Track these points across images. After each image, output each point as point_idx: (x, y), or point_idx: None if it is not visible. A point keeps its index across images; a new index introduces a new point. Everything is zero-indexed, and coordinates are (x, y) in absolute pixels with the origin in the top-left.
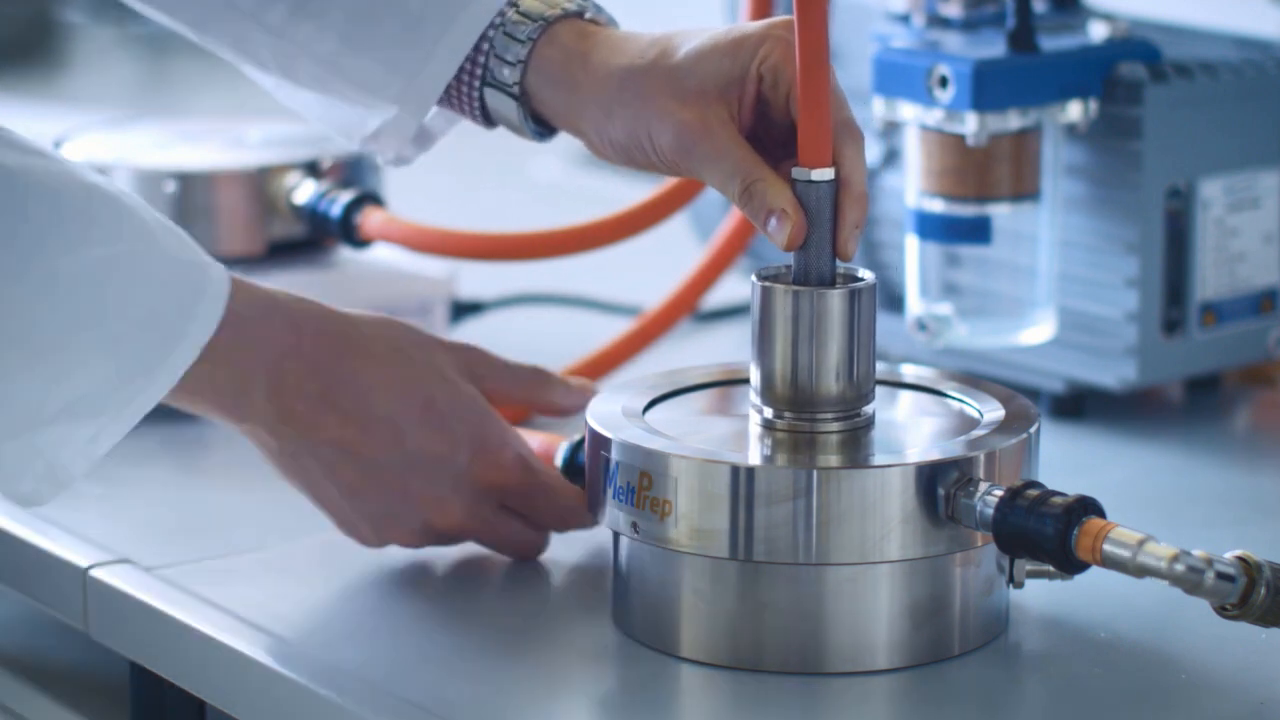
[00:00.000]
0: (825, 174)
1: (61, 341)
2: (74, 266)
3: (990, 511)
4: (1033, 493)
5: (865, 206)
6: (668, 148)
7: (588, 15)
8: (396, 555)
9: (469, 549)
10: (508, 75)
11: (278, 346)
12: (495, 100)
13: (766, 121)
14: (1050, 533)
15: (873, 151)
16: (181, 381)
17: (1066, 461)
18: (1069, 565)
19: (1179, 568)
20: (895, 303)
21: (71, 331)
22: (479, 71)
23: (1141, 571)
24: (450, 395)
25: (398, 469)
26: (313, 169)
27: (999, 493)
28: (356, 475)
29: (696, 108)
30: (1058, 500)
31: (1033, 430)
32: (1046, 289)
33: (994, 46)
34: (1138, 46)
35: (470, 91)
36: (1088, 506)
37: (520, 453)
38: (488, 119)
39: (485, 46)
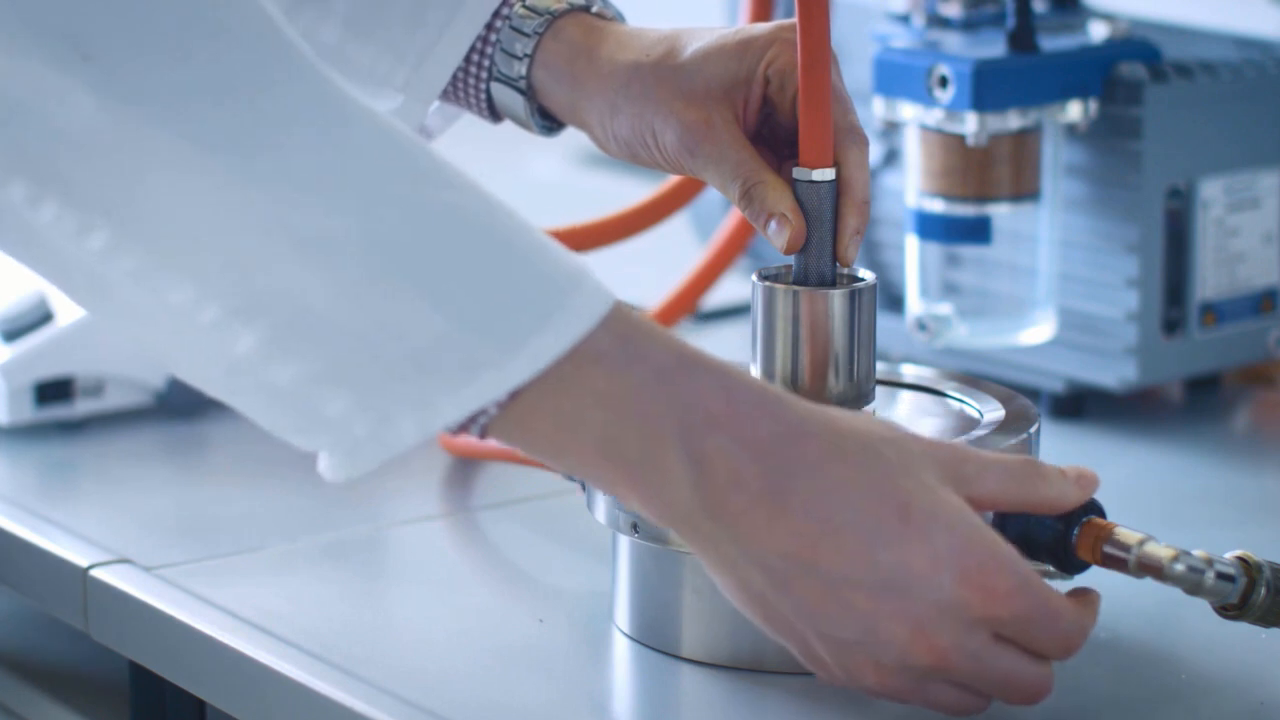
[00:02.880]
0: (826, 174)
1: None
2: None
3: (990, 512)
4: None
5: (867, 213)
6: (671, 147)
7: (594, 9)
8: (396, 555)
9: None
10: (514, 69)
11: (702, 411)
12: (501, 94)
13: (772, 124)
14: (1050, 533)
15: (873, 151)
16: (564, 425)
17: (1066, 461)
18: (1069, 565)
19: (1179, 568)
20: (895, 303)
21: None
22: (485, 63)
23: (1141, 571)
24: (931, 503)
25: (867, 589)
26: None
27: None
28: (817, 593)
29: (701, 108)
30: None
31: (1033, 430)
32: (1046, 289)
33: (994, 46)
34: (1138, 46)
35: (477, 85)
36: (1088, 506)
37: (1020, 574)
38: (494, 113)
39: (493, 38)
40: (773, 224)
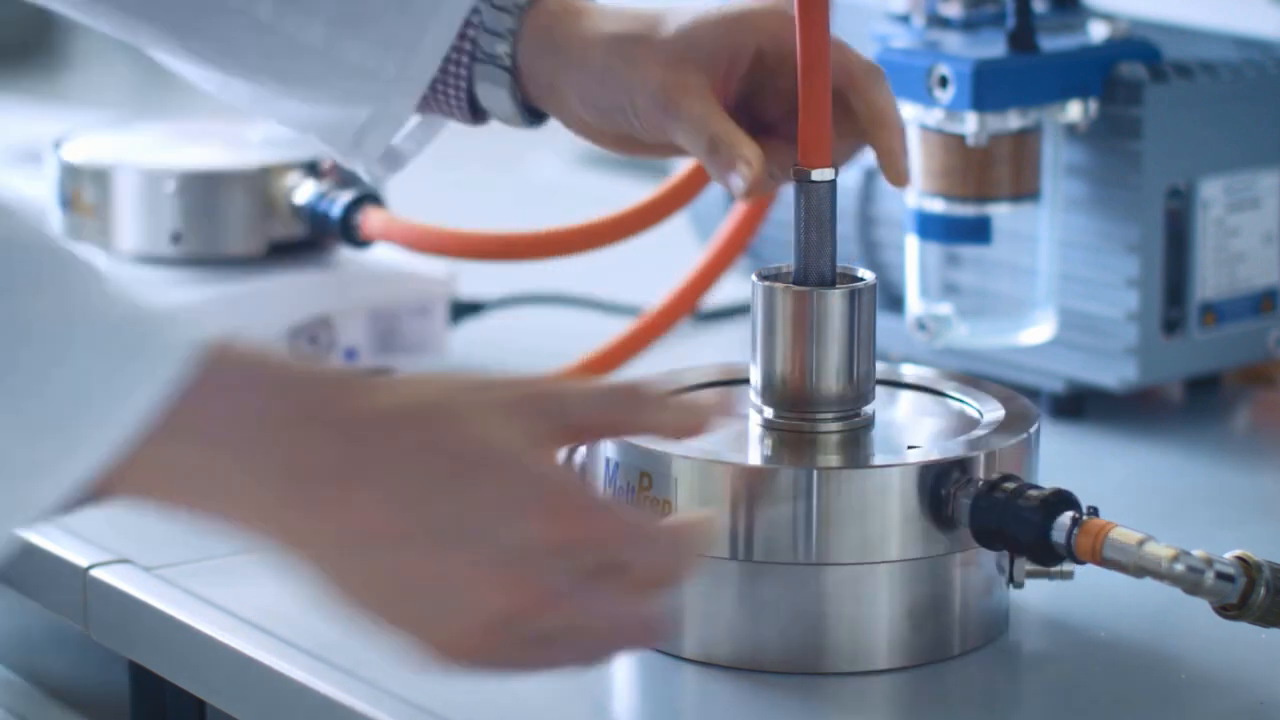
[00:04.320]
0: (825, 174)
1: None
2: None
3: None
4: (1009, 486)
5: (903, 134)
6: (645, 107)
7: None
8: None
9: None
10: (497, 48)
11: (256, 411)
12: (485, 76)
13: (753, 105)
14: (1031, 530)
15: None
16: (130, 466)
17: (1066, 461)
18: (1048, 558)
19: (1179, 568)
20: (895, 303)
21: None
22: (467, 47)
23: (1141, 571)
24: (479, 451)
25: (435, 550)
26: (313, 169)
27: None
28: (390, 570)
29: (678, 71)
30: (1034, 494)
31: (1033, 430)
32: (1046, 289)
33: (994, 46)
34: (1138, 46)
35: (457, 80)
36: (1068, 502)
37: (590, 496)
38: (474, 111)
39: (475, 20)
40: (734, 174)
